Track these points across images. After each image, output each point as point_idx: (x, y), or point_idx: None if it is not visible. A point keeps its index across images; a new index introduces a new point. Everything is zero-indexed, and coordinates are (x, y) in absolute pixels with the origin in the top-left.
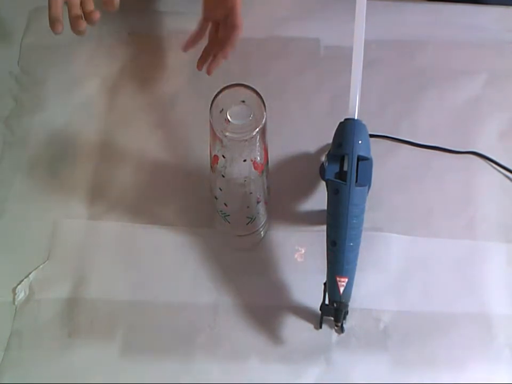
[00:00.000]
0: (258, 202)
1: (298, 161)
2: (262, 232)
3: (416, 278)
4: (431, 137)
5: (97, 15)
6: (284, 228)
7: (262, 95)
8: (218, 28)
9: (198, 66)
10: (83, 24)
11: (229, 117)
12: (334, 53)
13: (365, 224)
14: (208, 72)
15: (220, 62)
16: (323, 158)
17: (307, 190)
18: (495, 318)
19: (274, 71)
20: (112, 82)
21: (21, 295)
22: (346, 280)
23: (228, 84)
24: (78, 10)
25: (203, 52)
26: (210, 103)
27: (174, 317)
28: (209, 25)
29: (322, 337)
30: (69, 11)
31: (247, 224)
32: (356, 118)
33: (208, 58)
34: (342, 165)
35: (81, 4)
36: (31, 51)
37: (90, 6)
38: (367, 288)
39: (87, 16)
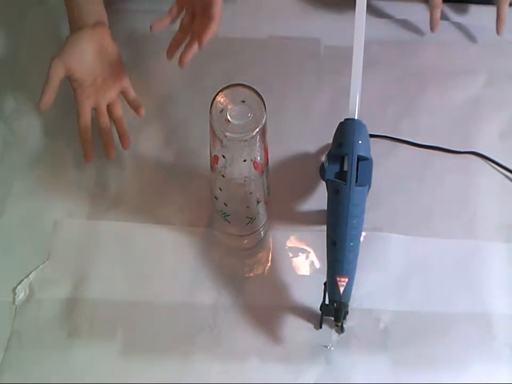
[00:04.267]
0: (258, 202)
1: (298, 161)
2: (262, 232)
3: (416, 278)
4: (431, 137)
5: (127, 143)
6: (284, 228)
7: (262, 95)
8: (193, 20)
9: (168, 54)
10: (113, 154)
11: (229, 117)
12: (334, 53)
13: (365, 224)
14: (182, 63)
15: (193, 51)
16: (323, 158)
17: (307, 190)
18: (495, 318)
19: (274, 71)
20: None
21: (21, 295)
22: (346, 280)
23: (228, 84)
24: (107, 121)
25: (172, 40)
26: (210, 103)
27: (174, 317)
28: (183, 12)
29: (322, 337)
30: (98, 120)
31: (247, 224)
32: (356, 118)
33: (179, 45)
34: (342, 165)
35: (109, 109)
36: (31, 51)
37: (118, 111)
38: (367, 288)
39: (116, 124)
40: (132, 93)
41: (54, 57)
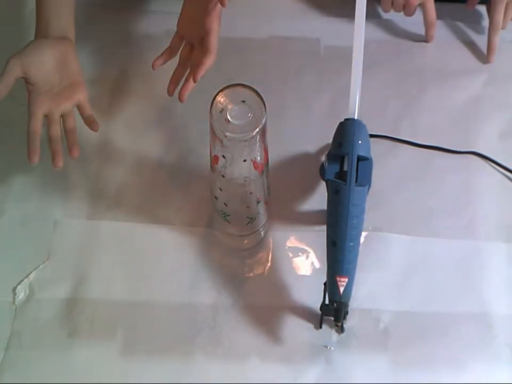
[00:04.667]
0: (258, 202)
1: (298, 161)
2: (262, 232)
3: (416, 278)
4: (431, 137)
5: (76, 153)
6: (284, 228)
7: (262, 95)
8: (192, 49)
9: (169, 91)
10: (60, 163)
11: (229, 117)
12: (334, 53)
13: (365, 224)
14: (181, 99)
15: (191, 87)
16: (323, 158)
17: (307, 190)
18: (495, 318)
19: (274, 71)
20: (112, 82)
21: (21, 295)
22: (346, 280)
23: (228, 84)
24: (57, 130)
25: (173, 76)
26: (210, 103)
27: (174, 317)
28: (183, 44)
29: (322, 337)
30: (48, 128)
31: (247, 224)
32: (356, 118)
33: (179, 81)
34: (342, 165)
35: (62, 118)
36: None
37: (71, 122)
38: (367, 288)
39: (67, 135)
40: (87, 109)
41: (13, 56)
